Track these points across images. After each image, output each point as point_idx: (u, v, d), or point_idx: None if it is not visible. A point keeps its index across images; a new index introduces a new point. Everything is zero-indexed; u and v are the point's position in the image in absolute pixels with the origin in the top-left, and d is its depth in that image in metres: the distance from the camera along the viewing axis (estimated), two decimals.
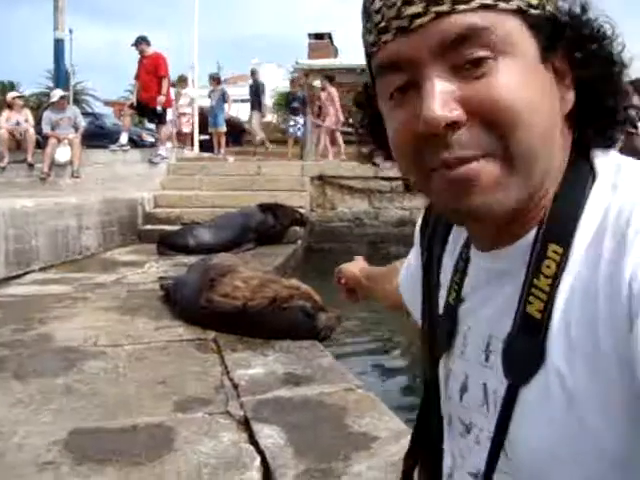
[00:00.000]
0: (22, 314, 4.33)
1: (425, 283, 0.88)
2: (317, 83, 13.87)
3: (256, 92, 15.64)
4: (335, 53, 27.74)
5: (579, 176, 0.66)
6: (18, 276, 5.76)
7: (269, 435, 2.40)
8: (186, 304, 4.24)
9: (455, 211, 0.65)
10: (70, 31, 23.97)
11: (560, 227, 0.64)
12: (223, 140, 15.06)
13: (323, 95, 13.65)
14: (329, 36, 28.08)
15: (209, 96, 15.36)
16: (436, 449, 0.83)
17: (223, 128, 14.80)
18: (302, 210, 9.04)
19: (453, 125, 0.60)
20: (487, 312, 0.72)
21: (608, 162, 0.67)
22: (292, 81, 15.54)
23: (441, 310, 0.82)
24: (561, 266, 0.63)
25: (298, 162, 10.88)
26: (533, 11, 0.62)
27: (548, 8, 0.63)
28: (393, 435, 2.39)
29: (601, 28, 0.65)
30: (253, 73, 16.19)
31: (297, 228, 8.75)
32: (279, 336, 3.72)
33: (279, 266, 6.72)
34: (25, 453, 2.24)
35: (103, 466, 2.16)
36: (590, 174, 0.66)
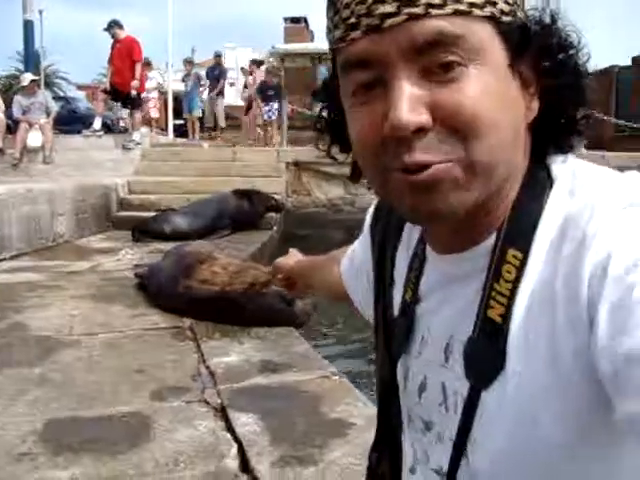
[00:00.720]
0: None
1: (378, 279, 0.87)
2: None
3: (219, 77, 15.04)
4: (311, 37, 27.58)
5: (537, 182, 0.67)
6: None
7: (245, 423, 2.42)
8: (163, 291, 4.23)
9: (413, 213, 0.66)
10: (40, 12, 23.48)
11: (519, 232, 0.65)
12: (197, 125, 14.90)
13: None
14: (305, 20, 27.90)
15: (183, 80, 15.13)
16: (397, 443, 0.84)
17: (198, 113, 14.63)
18: (278, 196, 9.03)
19: (419, 129, 0.60)
20: (446, 313, 0.72)
21: (565, 168, 0.68)
22: (268, 72, 15.15)
23: (397, 307, 0.82)
24: (521, 271, 0.64)
25: (273, 148, 10.84)
26: (505, 18, 0.62)
27: (519, 15, 0.64)
28: (368, 422, 2.42)
29: (569, 38, 0.66)
30: (218, 56, 15.48)
31: (273, 214, 8.74)
32: (257, 322, 3.74)
33: (255, 252, 6.72)
34: (1, 445, 2.24)
35: (80, 456, 2.17)
36: (548, 180, 0.67)
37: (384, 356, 0.84)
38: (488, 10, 0.61)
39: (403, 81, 0.60)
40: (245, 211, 8.18)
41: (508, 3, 0.63)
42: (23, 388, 2.77)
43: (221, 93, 15.10)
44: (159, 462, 2.14)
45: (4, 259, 5.93)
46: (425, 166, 0.61)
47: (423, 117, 0.59)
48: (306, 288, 1.44)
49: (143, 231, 7.40)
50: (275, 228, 8.73)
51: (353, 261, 1.02)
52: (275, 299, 3.79)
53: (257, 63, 15.52)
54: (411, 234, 0.82)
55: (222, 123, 15.26)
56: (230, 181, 9.25)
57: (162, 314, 4.03)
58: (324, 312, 5.23)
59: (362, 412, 2.51)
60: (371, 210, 0.94)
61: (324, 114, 0.80)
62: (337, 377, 2.93)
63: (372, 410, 2.53)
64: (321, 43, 24.90)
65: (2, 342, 3.44)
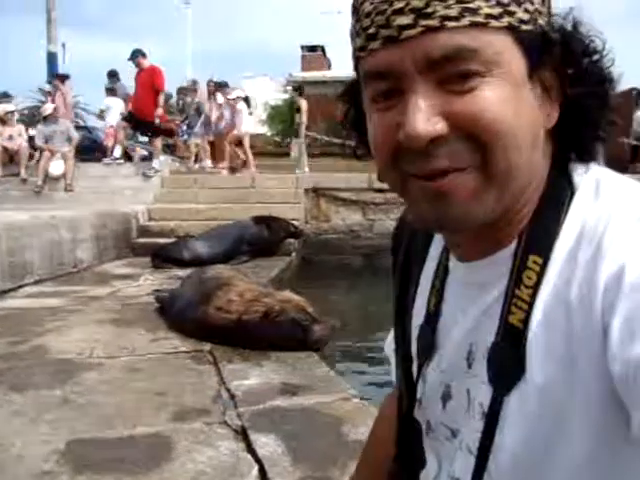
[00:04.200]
0: (17, 327, 4.34)
1: (401, 297, 0.87)
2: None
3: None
4: (328, 65, 27.87)
5: (558, 190, 0.67)
6: (12, 289, 5.76)
7: (266, 444, 2.41)
8: (182, 317, 4.26)
9: (427, 220, 0.67)
10: (63, 45, 24.01)
11: (540, 239, 0.66)
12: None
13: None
14: (322, 48, 28.21)
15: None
16: (416, 454, 0.84)
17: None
18: (296, 222, 9.07)
19: (435, 138, 0.60)
20: (468, 320, 0.73)
21: (587, 176, 0.68)
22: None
23: (420, 319, 0.82)
24: (541, 276, 0.64)
25: (292, 174, 10.91)
26: (524, 27, 0.62)
27: (540, 22, 0.63)
28: None
29: (592, 43, 0.66)
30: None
31: (291, 240, 8.77)
32: (274, 348, 3.74)
33: (274, 278, 6.74)
34: (24, 464, 2.25)
35: (101, 475, 2.17)
36: (569, 188, 0.67)
37: (405, 367, 0.85)
38: (505, 20, 0.61)
39: (419, 92, 0.61)
40: (264, 237, 8.22)
41: (528, 11, 0.62)
42: (45, 409, 2.79)
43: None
44: None
45: (26, 284, 6.00)
46: (442, 173, 0.62)
47: (438, 126, 0.61)
48: None
49: (162, 257, 7.46)
50: (294, 254, 8.75)
51: None
52: (290, 326, 3.80)
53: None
54: (437, 247, 0.83)
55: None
56: (249, 208, 9.31)
57: (182, 338, 4.04)
58: (343, 334, 5.25)
59: None
60: (391, 240, 0.95)
61: (349, 115, 0.81)
62: (357, 399, 2.92)
63: None
64: (338, 71, 25.20)
65: (24, 365, 3.47)
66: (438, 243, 0.82)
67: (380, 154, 0.67)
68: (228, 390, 3.05)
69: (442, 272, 0.79)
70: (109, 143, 12.01)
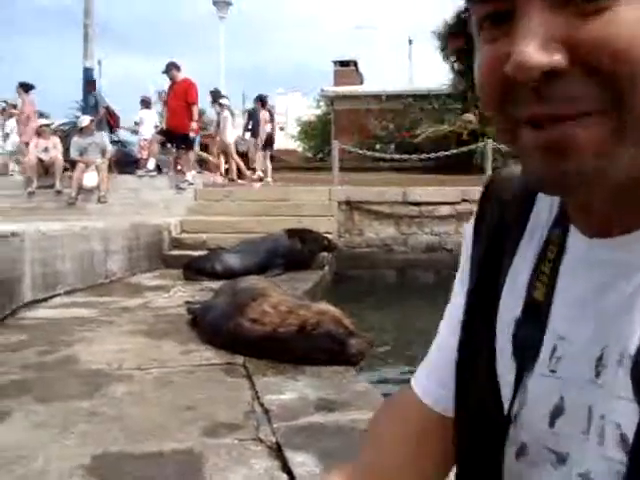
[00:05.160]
0: (48, 337, 4.26)
1: (485, 280, 0.70)
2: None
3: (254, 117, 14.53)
4: (360, 80, 27.84)
5: None
6: (45, 299, 5.70)
7: (302, 463, 2.26)
8: (214, 328, 4.14)
9: (545, 180, 0.51)
10: (99, 62, 24.36)
11: None
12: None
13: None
14: (354, 63, 28.20)
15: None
16: None
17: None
18: (329, 236, 8.94)
19: (551, 72, 0.46)
20: (599, 315, 0.56)
21: None
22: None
23: (513, 313, 0.64)
24: None
25: (325, 187, 10.80)
26: None
27: None
28: None
29: None
30: (261, 99, 14.88)
31: (325, 254, 8.64)
32: (309, 362, 3.59)
33: (307, 292, 6.60)
34: (48, 478, 2.13)
35: None
36: None
37: (487, 378, 0.67)
38: None
39: (533, 13, 0.46)
40: (297, 250, 8.10)
41: None
42: (71, 422, 2.67)
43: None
44: None
45: (58, 294, 5.94)
46: (559, 119, 0.47)
47: (556, 57, 0.46)
48: None
49: (194, 269, 7.37)
50: (327, 268, 8.61)
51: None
52: (326, 340, 3.64)
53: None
54: (539, 220, 0.66)
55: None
56: (282, 220, 9.21)
57: (214, 350, 3.92)
58: (381, 349, 5.09)
59: None
60: (469, 224, 0.77)
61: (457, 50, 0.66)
62: None
63: None
64: (370, 85, 25.16)
65: (52, 375, 3.38)
66: (545, 212, 0.65)
67: (485, 94, 0.52)
68: (262, 405, 2.90)
69: (554, 251, 0.62)
70: (143, 156, 12.05)
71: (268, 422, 2.69)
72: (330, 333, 3.65)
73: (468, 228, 0.76)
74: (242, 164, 12.95)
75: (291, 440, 2.46)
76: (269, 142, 14.40)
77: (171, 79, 10.79)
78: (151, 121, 12.75)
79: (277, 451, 2.39)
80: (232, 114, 13.61)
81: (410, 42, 33.74)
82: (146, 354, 3.85)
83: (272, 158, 22.07)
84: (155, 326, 4.71)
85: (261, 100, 14.39)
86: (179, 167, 11.34)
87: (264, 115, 13.97)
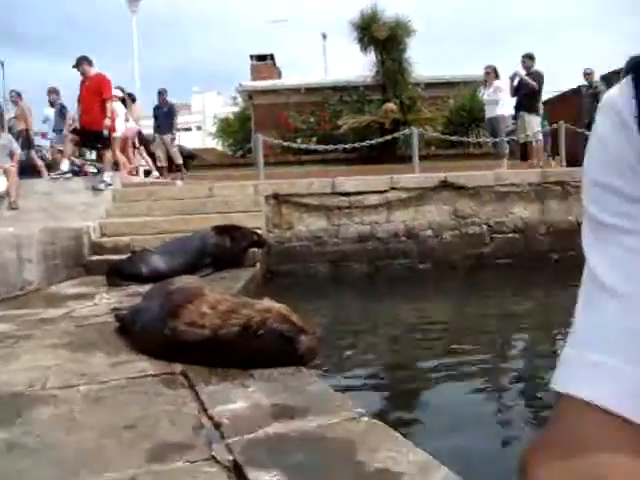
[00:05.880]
0: None
1: None
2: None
3: (170, 114, 14.60)
4: (278, 74, 27.49)
5: None
6: None
7: None
8: (147, 335, 3.75)
9: None
10: (1, 63, 23.11)
11: None
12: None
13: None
14: (271, 57, 27.80)
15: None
16: None
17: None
18: (259, 231, 8.61)
19: None
20: None
21: None
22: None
23: None
24: None
25: (251, 181, 10.44)
26: None
27: None
28: (419, 469, 1.98)
29: None
30: (160, 93, 14.89)
31: (255, 250, 8.31)
32: (256, 365, 3.27)
33: (240, 290, 6.27)
34: None
35: None
36: None
37: None
38: None
39: None
40: (227, 248, 7.75)
41: None
42: None
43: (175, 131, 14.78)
44: None
45: None
46: None
47: None
48: None
49: (118, 273, 6.90)
50: (258, 265, 8.28)
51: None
52: (274, 338, 3.32)
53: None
54: None
55: (179, 160, 14.79)
56: (207, 218, 8.86)
57: (149, 360, 3.54)
58: (331, 344, 4.82)
59: (410, 458, 2.05)
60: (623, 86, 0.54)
61: None
62: (367, 418, 2.47)
63: (422, 456, 2.08)
64: (289, 79, 24.84)
65: None
66: None
67: None
68: (211, 418, 2.56)
69: None
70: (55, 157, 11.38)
71: (221, 438, 2.35)
72: (278, 331, 3.33)
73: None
74: (123, 158, 12.41)
75: (251, 457, 2.14)
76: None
77: (82, 74, 10.18)
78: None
79: (237, 472, 2.06)
80: (126, 105, 13.03)
81: (324, 37, 33.61)
82: (72, 369, 3.43)
83: (192, 157, 21.59)
84: (80, 337, 4.27)
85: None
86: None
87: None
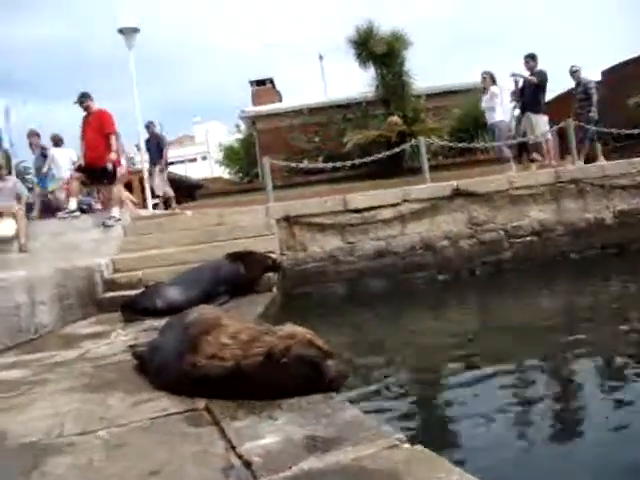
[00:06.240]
0: None
1: None
2: None
3: (160, 146, 14.74)
4: (279, 97, 27.51)
5: None
6: None
7: None
8: (166, 372, 3.57)
9: None
10: (6, 112, 23.33)
11: None
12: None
13: None
14: (271, 81, 27.86)
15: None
16: None
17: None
18: (273, 255, 8.45)
19: None
20: None
21: None
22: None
23: None
24: None
25: (261, 205, 10.30)
26: None
27: None
28: None
29: None
30: (148, 126, 15.16)
31: (270, 274, 8.15)
32: (283, 395, 3.08)
33: (260, 316, 6.10)
34: None
35: None
36: None
37: None
38: None
39: None
40: (241, 274, 7.60)
41: None
42: None
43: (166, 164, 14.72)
44: None
45: None
46: None
47: None
48: None
49: (133, 309, 6.74)
50: (275, 289, 8.11)
51: None
52: (300, 366, 3.13)
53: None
54: None
55: (171, 193, 14.80)
56: (220, 246, 8.71)
57: (170, 397, 3.36)
58: (355, 365, 4.61)
59: None
60: None
61: None
62: (408, 445, 2.28)
63: None
64: (290, 101, 24.83)
65: None
66: None
67: None
68: (240, 456, 2.37)
69: None
70: (63, 197, 11.32)
71: (253, 478, 2.17)
72: (303, 357, 3.15)
73: None
74: (126, 193, 12.40)
75: None
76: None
77: (85, 110, 10.14)
78: (66, 159, 12.00)
79: None
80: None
81: (321, 58, 33.69)
82: (90, 413, 3.26)
83: (199, 187, 21.58)
84: (97, 378, 4.11)
85: None
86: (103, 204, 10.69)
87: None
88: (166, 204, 15.08)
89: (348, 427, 2.57)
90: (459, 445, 3.79)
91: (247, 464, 2.29)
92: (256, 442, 2.50)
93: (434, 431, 4.12)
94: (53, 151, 12.55)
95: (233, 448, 2.48)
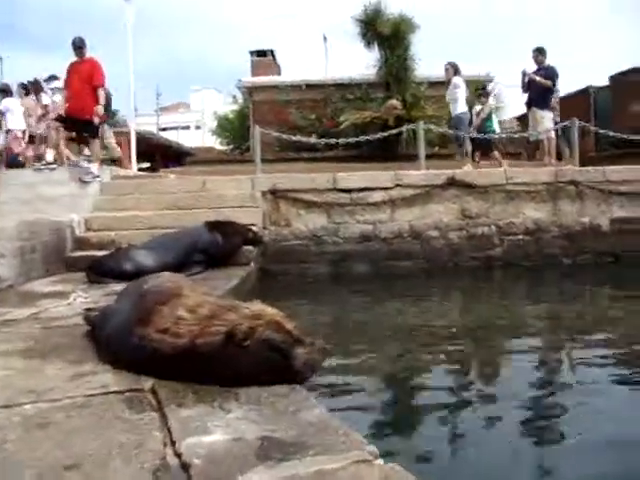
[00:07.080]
0: None
1: None
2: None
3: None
4: (278, 71, 26.91)
5: None
6: None
7: None
8: (114, 343, 3.16)
9: None
10: (0, 58, 22.67)
11: None
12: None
13: None
14: (272, 53, 27.24)
15: None
16: None
17: None
18: (254, 228, 8.04)
19: None
20: None
21: None
22: None
23: None
24: None
25: (248, 175, 9.86)
26: None
27: None
28: None
29: None
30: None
31: (250, 248, 7.74)
32: (242, 383, 2.68)
33: (232, 291, 5.71)
34: None
35: None
36: None
37: None
38: None
39: None
40: (219, 245, 7.18)
41: None
42: None
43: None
44: None
45: None
46: None
47: None
48: None
49: (99, 270, 6.32)
50: (252, 264, 7.70)
51: None
52: (264, 351, 2.72)
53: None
54: None
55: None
56: (200, 214, 8.27)
57: (115, 373, 2.95)
58: (329, 353, 4.22)
59: None
60: None
61: None
62: (381, 461, 1.89)
63: None
64: (289, 75, 24.26)
65: None
66: None
67: None
68: (179, 455, 1.97)
69: None
70: (16, 149, 10.87)
71: None
72: (269, 342, 2.74)
73: None
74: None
75: None
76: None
77: (79, 56, 9.60)
78: (19, 110, 11.60)
79: None
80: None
81: (325, 39, 33.00)
82: (20, 383, 2.84)
83: (188, 155, 21.08)
84: (42, 343, 3.69)
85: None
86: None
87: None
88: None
89: (312, 430, 2.17)
90: (437, 456, 3.41)
91: (185, 467, 1.89)
92: (201, 438, 2.10)
93: (407, 437, 3.74)
94: (5, 102, 12.11)
95: (173, 443, 2.08)
